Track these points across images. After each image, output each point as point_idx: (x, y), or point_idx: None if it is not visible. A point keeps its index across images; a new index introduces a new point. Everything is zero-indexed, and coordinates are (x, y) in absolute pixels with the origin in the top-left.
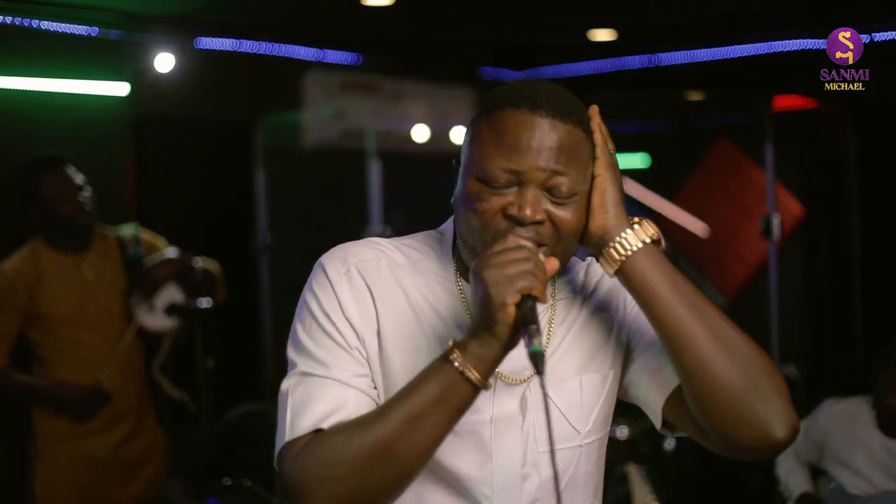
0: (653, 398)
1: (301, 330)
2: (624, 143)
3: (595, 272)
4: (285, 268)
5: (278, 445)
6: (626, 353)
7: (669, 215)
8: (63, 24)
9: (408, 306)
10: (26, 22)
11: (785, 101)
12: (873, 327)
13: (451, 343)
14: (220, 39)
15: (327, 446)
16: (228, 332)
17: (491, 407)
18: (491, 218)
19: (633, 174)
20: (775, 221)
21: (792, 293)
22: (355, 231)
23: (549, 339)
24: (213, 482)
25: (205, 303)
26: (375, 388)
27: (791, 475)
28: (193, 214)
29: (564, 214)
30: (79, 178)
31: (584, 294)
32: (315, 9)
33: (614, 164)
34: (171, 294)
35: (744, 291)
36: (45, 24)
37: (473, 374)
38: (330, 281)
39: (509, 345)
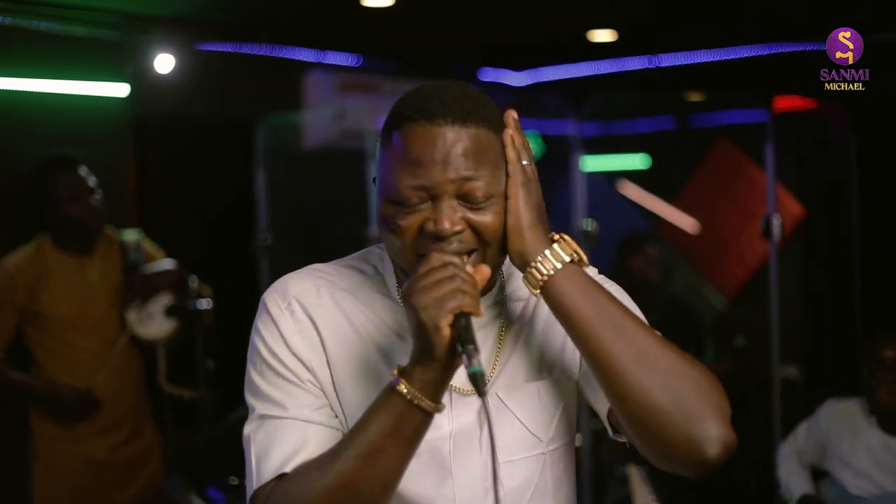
0: (598, 408)
1: (254, 373)
2: (624, 143)
3: None
4: (285, 268)
5: (249, 492)
6: (579, 358)
7: (664, 214)
8: (63, 25)
9: (351, 330)
10: (26, 22)
11: (785, 102)
12: (873, 327)
13: (395, 371)
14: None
15: (292, 491)
16: (228, 333)
17: (450, 421)
18: (411, 238)
19: (634, 175)
20: (776, 222)
21: (792, 293)
22: (355, 231)
23: (500, 345)
24: (219, 480)
25: (205, 304)
26: (337, 416)
27: (792, 477)
28: (194, 214)
29: (484, 218)
30: (91, 181)
31: (536, 297)
32: (315, 10)
33: (528, 180)
34: (167, 302)
35: (744, 291)
36: (45, 25)
37: (424, 402)
38: (273, 318)
39: (451, 366)
